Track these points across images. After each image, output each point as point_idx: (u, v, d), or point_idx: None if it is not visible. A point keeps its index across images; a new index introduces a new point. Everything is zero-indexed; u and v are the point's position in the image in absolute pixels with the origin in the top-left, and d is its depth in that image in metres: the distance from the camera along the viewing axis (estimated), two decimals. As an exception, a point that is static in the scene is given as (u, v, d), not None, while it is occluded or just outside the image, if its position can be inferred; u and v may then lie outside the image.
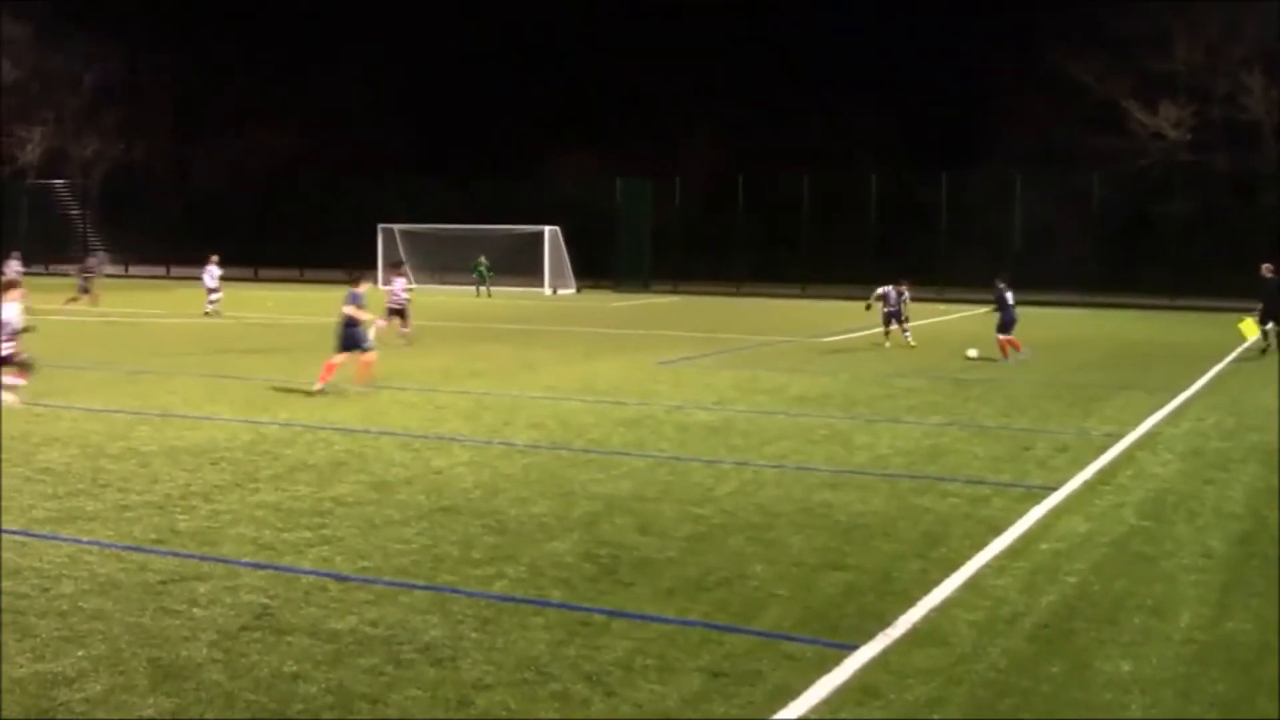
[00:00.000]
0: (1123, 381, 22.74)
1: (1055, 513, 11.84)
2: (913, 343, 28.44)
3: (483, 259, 51.51)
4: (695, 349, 28.09)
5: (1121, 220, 55.30)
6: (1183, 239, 52.82)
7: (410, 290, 29.50)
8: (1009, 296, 26.59)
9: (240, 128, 75.30)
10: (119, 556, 9.77)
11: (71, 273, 42.93)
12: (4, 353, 17.45)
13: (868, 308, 29.61)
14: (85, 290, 40.02)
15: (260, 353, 26.10)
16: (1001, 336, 26.24)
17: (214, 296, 37.77)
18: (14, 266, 42.56)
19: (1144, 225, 54.77)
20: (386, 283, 34.34)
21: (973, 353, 26.23)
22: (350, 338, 19.79)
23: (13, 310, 17.77)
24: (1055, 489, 12.85)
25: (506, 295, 50.56)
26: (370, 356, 19.96)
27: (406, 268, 32.26)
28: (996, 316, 26.68)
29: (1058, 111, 56.75)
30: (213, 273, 38.17)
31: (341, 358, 19.72)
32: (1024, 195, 54.80)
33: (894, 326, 28.59)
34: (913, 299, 29.47)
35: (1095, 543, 10.75)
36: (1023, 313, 26.61)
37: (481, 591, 9.00)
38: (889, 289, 28.71)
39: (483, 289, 50.82)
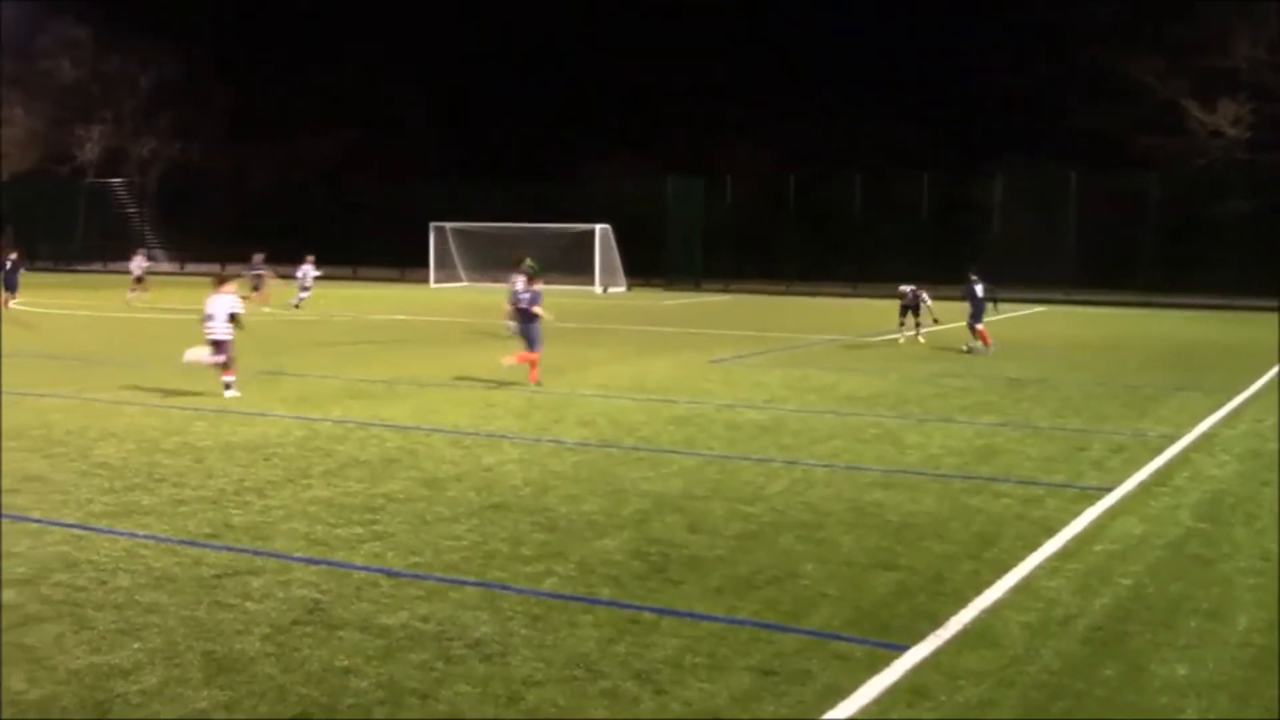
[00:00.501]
0: (1179, 382, 22.46)
1: (1110, 514, 11.72)
2: (921, 340, 28.99)
3: (529, 259, 51.53)
4: (746, 348, 28.02)
5: (1179, 219, 54.56)
6: (1241, 238, 52.05)
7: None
8: (978, 289, 27.73)
9: (293, 130, 75.91)
10: (174, 550, 9.89)
11: (133, 270, 43.54)
12: (218, 337, 18.93)
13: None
14: (256, 289, 40.51)
15: (313, 350, 26.31)
16: (978, 326, 27.42)
17: (303, 294, 39.56)
18: (139, 263, 43.54)
19: (1202, 224, 54.00)
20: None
21: (966, 347, 27.16)
22: (530, 334, 20.69)
23: (225, 302, 19.12)
24: (1110, 490, 12.72)
25: (557, 294, 50.53)
26: (536, 354, 20.67)
27: (527, 266, 32.65)
28: (967, 307, 27.67)
29: (1115, 110, 56.09)
30: (308, 271, 40.26)
31: (534, 354, 20.56)
32: (1080, 195, 54.20)
33: (907, 319, 29.31)
34: (965, 299, 29.40)
35: (1150, 545, 10.62)
36: (1079, 312, 26.54)
37: (531, 588, 9.03)
38: (908, 289, 29.37)
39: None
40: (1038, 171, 55.37)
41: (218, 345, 18.89)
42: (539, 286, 21.17)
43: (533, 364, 20.45)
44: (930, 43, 68.09)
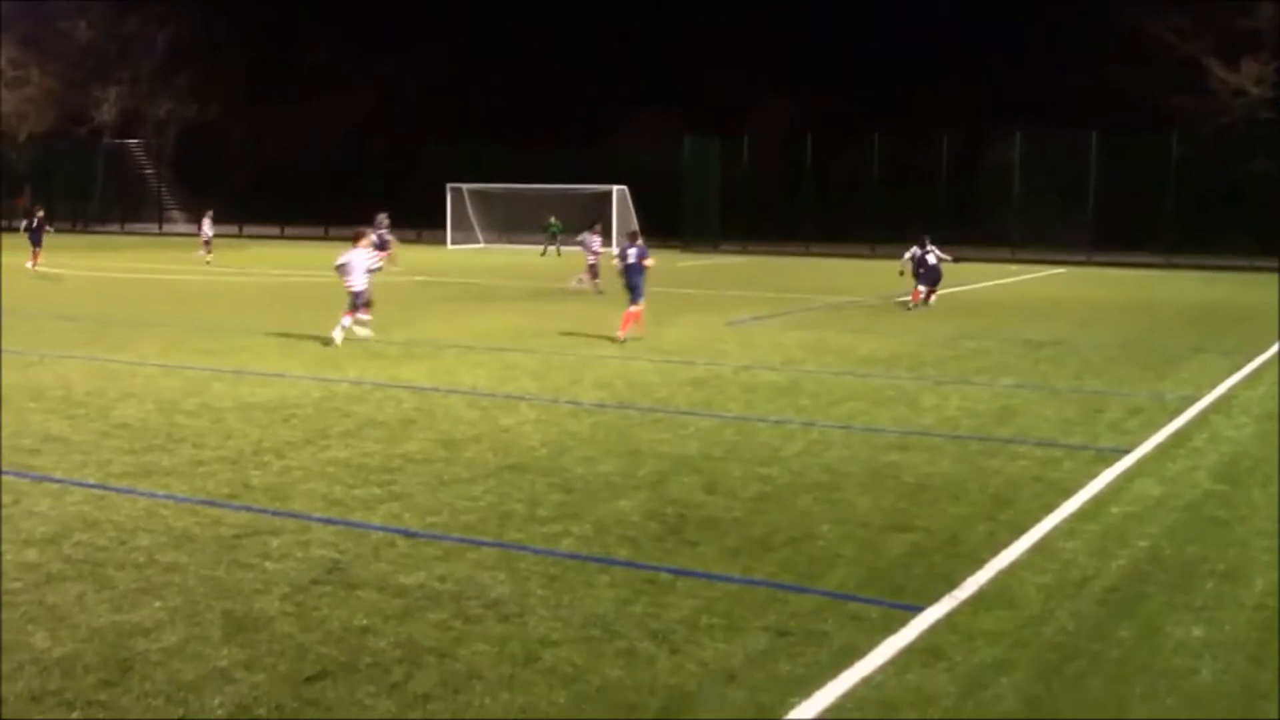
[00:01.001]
0: (1199, 344, 22.37)
1: (1127, 476, 11.70)
2: (930, 303, 29.04)
3: (553, 219, 51.53)
4: (763, 309, 27.99)
5: (1201, 180, 54.21)
6: (1264, 199, 51.68)
7: (603, 250, 32.55)
8: (930, 257, 28.76)
9: (311, 91, 75.80)
10: (193, 510, 9.95)
11: (200, 233, 43.64)
12: (358, 289, 20.58)
13: (901, 274, 30.17)
14: (381, 249, 40.38)
15: (330, 311, 26.34)
16: (920, 288, 28.71)
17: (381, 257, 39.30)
18: (207, 226, 43.76)
19: (1224, 185, 53.64)
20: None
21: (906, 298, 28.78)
22: (637, 288, 21.77)
23: (363, 256, 20.87)
24: (1128, 452, 12.69)
25: (575, 255, 50.61)
26: (640, 308, 21.78)
27: (600, 227, 34.12)
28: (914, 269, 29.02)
29: (1136, 69, 55.60)
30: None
31: (639, 307, 21.66)
32: (1100, 155, 53.83)
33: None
34: (984, 261, 30.03)
35: (1168, 507, 10.61)
36: (1099, 274, 26.49)
37: (548, 549, 9.07)
38: (917, 249, 29.21)
39: (550, 248, 50.84)
40: (1058, 132, 54.97)
41: (356, 295, 20.63)
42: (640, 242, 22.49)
43: (636, 319, 21.60)
44: (950, 2, 67.49)
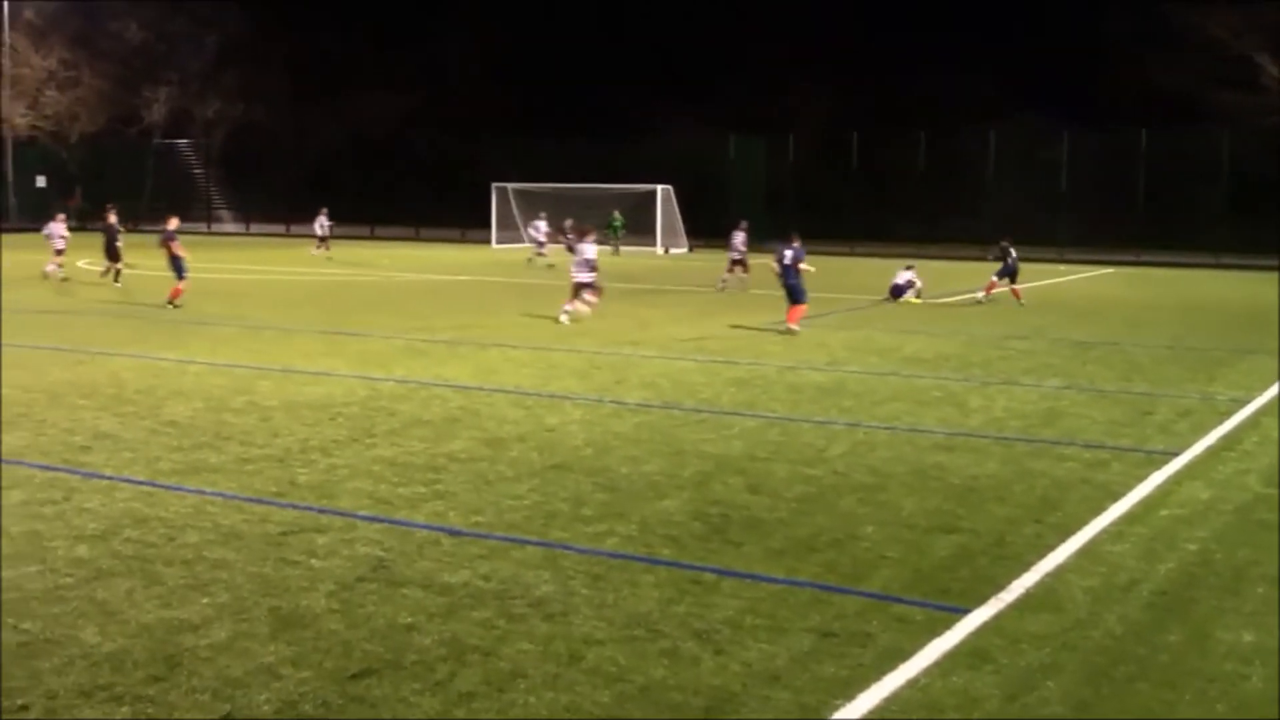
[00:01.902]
0: (1249, 345, 22.10)
1: (1176, 479, 11.58)
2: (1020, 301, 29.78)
3: (617, 214, 51.55)
4: (807, 309, 27.87)
5: (1251, 178, 53.48)
6: (1316, 198, 50.95)
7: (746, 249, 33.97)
8: (1012, 252, 30.34)
9: (355, 90, 76.23)
10: (241, 508, 10.04)
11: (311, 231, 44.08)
12: (585, 280, 23.60)
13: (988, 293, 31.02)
14: (541, 246, 42.05)
15: (375, 310, 26.51)
16: (995, 278, 30.55)
17: (544, 249, 41.58)
18: (323, 222, 44.30)
19: (1275, 183, 52.90)
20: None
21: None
22: (797, 289, 23.08)
23: (590, 249, 23.77)
24: (1177, 454, 12.56)
25: (636, 254, 50.61)
26: (804, 306, 23.16)
27: (746, 224, 35.35)
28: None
29: (1185, 66, 54.95)
30: (539, 228, 42.64)
31: (802, 306, 23.00)
32: (1149, 153, 53.26)
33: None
34: (1031, 260, 30.85)
35: (1218, 510, 10.49)
36: (1148, 274, 26.40)
37: (592, 548, 9.08)
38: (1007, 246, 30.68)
39: (618, 247, 50.82)
40: (1106, 130, 54.44)
41: (584, 286, 23.56)
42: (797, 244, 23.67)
43: (797, 314, 22.92)
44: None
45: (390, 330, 22.44)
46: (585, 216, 52.08)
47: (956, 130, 57.29)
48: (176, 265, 26.42)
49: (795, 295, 23.07)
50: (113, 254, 32.27)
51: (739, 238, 34.12)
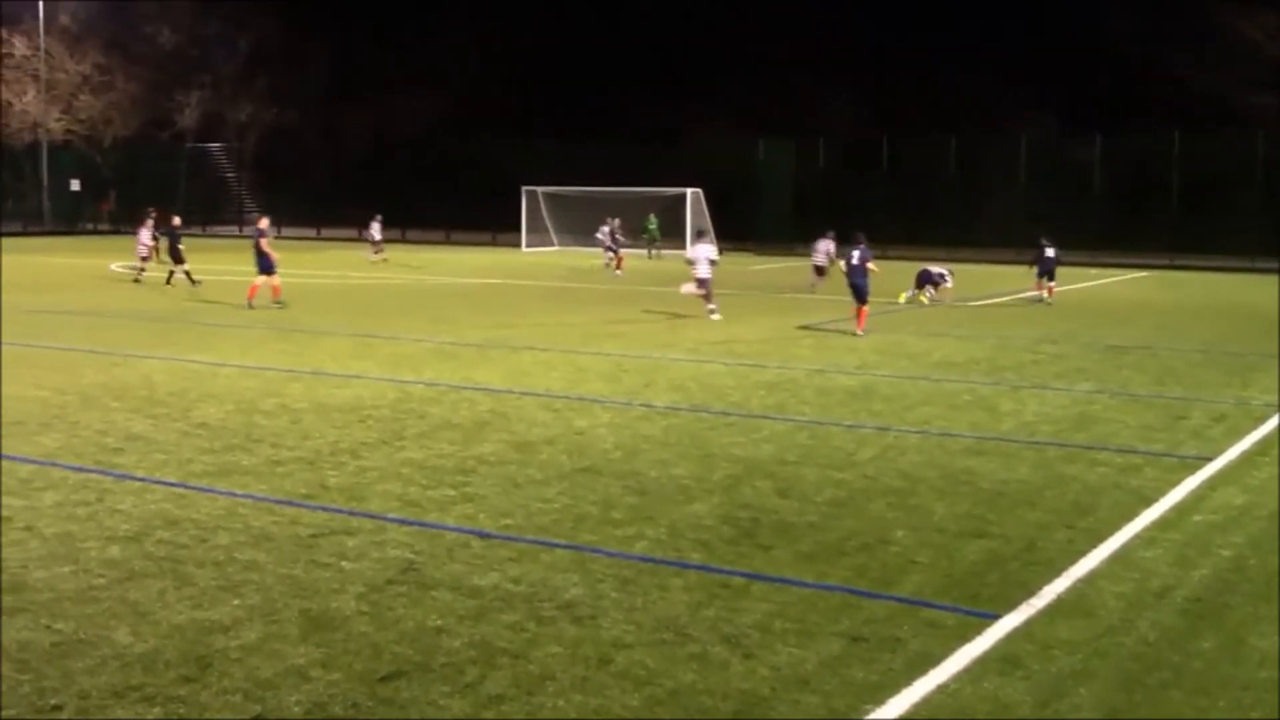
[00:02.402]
0: (1284, 349, 21.89)
1: (1210, 484, 11.49)
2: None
3: (653, 218, 51.54)
4: (837, 312, 27.80)
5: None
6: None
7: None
8: (1050, 251, 31.23)
9: (386, 93, 76.52)
10: (271, 510, 10.08)
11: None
12: (702, 275, 25.53)
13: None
14: (613, 251, 42.51)
15: (404, 313, 26.60)
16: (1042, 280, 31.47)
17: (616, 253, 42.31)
18: (376, 229, 44.64)
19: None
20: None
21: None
22: (863, 288, 23.60)
23: (705, 249, 25.85)
24: (1211, 459, 12.46)
25: (659, 257, 50.59)
26: (866, 308, 23.72)
27: (833, 234, 35.62)
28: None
29: (1219, 68, 54.53)
30: (605, 232, 43.21)
31: (865, 307, 23.61)
32: (1184, 155, 52.83)
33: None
34: (1063, 264, 31.98)
35: (1252, 516, 10.40)
36: (1182, 277, 26.21)
37: (621, 552, 9.07)
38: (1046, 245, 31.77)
39: (654, 251, 50.84)
40: (1139, 132, 54.04)
41: (701, 282, 25.56)
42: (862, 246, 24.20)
43: (863, 316, 23.48)
44: (1029, 1, 66.70)
45: (420, 333, 22.51)
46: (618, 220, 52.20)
47: (987, 133, 56.99)
48: (265, 263, 27.26)
49: (861, 295, 23.58)
50: (176, 256, 33.00)
51: (825, 245, 34.93)
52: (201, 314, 25.47)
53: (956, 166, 56.68)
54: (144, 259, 34.73)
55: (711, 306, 25.71)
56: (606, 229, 43.35)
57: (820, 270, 34.45)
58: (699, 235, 28.11)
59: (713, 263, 25.74)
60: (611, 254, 42.12)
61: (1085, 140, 54.97)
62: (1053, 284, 31.62)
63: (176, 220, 34.35)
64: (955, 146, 56.33)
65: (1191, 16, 55.46)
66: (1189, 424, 14.52)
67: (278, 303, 26.89)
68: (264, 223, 28.66)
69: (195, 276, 32.64)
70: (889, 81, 67.18)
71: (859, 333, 23.06)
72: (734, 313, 27.33)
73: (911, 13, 69.40)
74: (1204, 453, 12.81)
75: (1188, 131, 51.92)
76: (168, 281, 32.43)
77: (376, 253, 44.66)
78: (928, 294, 30.75)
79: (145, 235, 35.20)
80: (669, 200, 54.13)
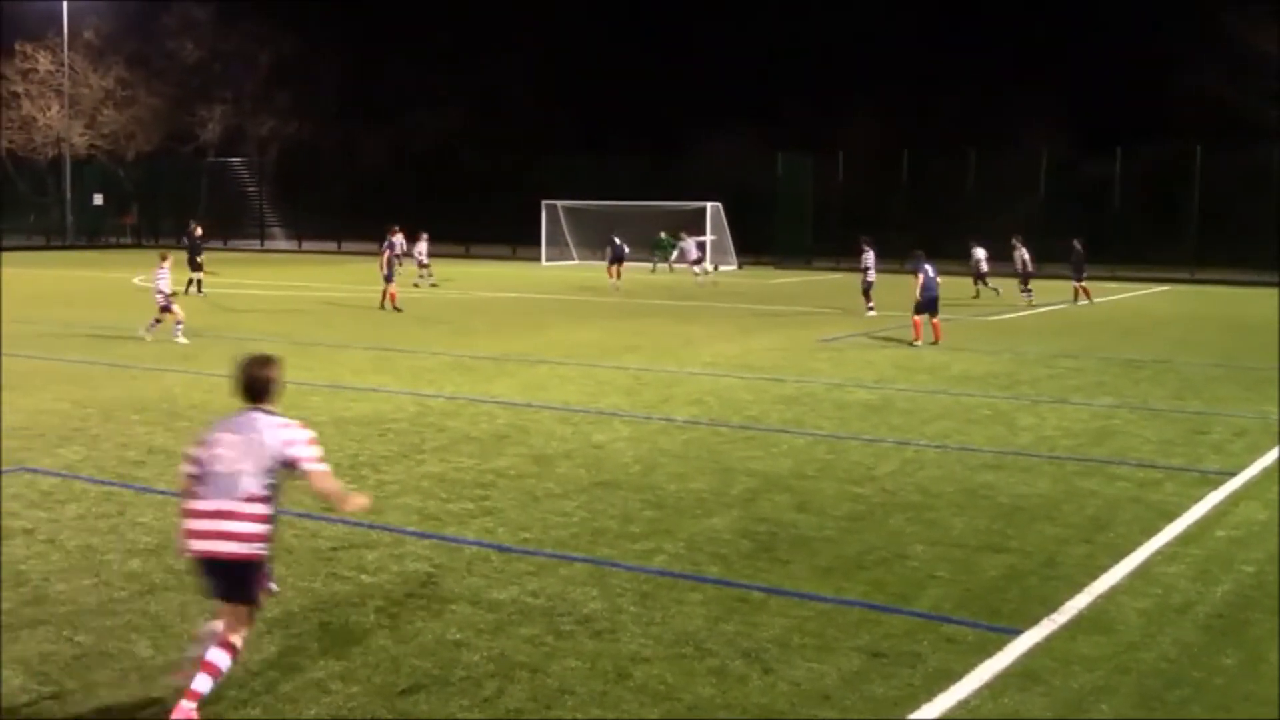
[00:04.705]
0: (1306, 364, 21.77)
1: (1232, 499, 11.44)
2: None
3: (664, 235, 51.43)
4: (856, 326, 27.80)
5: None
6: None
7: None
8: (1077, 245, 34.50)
9: (405, 107, 76.81)
10: (291, 523, 10.10)
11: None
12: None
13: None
14: (697, 264, 43.42)
15: (424, 326, 26.66)
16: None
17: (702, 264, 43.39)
18: (421, 248, 44.59)
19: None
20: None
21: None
22: (933, 302, 24.05)
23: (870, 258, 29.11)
24: (1232, 474, 12.40)
25: (666, 271, 50.63)
26: (938, 320, 24.20)
27: (986, 242, 37.85)
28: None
29: (1240, 81, 54.32)
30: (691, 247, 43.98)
31: (923, 318, 23.99)
32: (1204, 169, 52.60)
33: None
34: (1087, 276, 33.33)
35: (1274, 531, 10.34)
36: (1202, 291, 26.20)
37: (640, 565, 9.08)
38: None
39: (661, 265, 50.80)
40: (1159, 146, 53.84)
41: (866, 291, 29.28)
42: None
43: (935, 328, 24.03)
44: (1047, 14, 66.64)
45: (439, 347, 22.56)
46: (635, 234, 52.27)
47: (1006, 147, 56.85)
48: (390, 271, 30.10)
49: (934, 308, 24.12)
50: (194, 264, 33.69)
51: (981, 253, 37.07)
52: (221, 328, 25.57)
53: (975, 180, 56.55)
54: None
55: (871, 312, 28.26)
56: (691, 244, 44.95)
57: (981, 279, 37.33)
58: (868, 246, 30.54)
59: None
60: (699, 265, 44.04)
61: (1105, 154, 54.79)
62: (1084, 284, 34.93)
63: (198, 231, 34.59)
64: (974, 160, 56.21)
65: (1213, 30, 55.27)
66: (1209, 438, 14.45)
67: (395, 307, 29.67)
68: (403, 238, 30.83)
69: (204, 287, 33.39)
70: (908, 96, 67.12)
71: (917, 344, 23.70)
72: (752, 327, 27.32)
73: (932, 27, 69.39)
74: (1225, 467, 12.76)
75: (1209, 145, 51.71)
76: (198, 289, 33.24)
77: (423, 274, 41.21)
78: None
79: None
80: (688, 214, 54.14)
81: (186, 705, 6.14)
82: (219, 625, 6.40)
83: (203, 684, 6.19)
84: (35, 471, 11.85)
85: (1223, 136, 51.94)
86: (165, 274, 23.18)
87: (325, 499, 6.65)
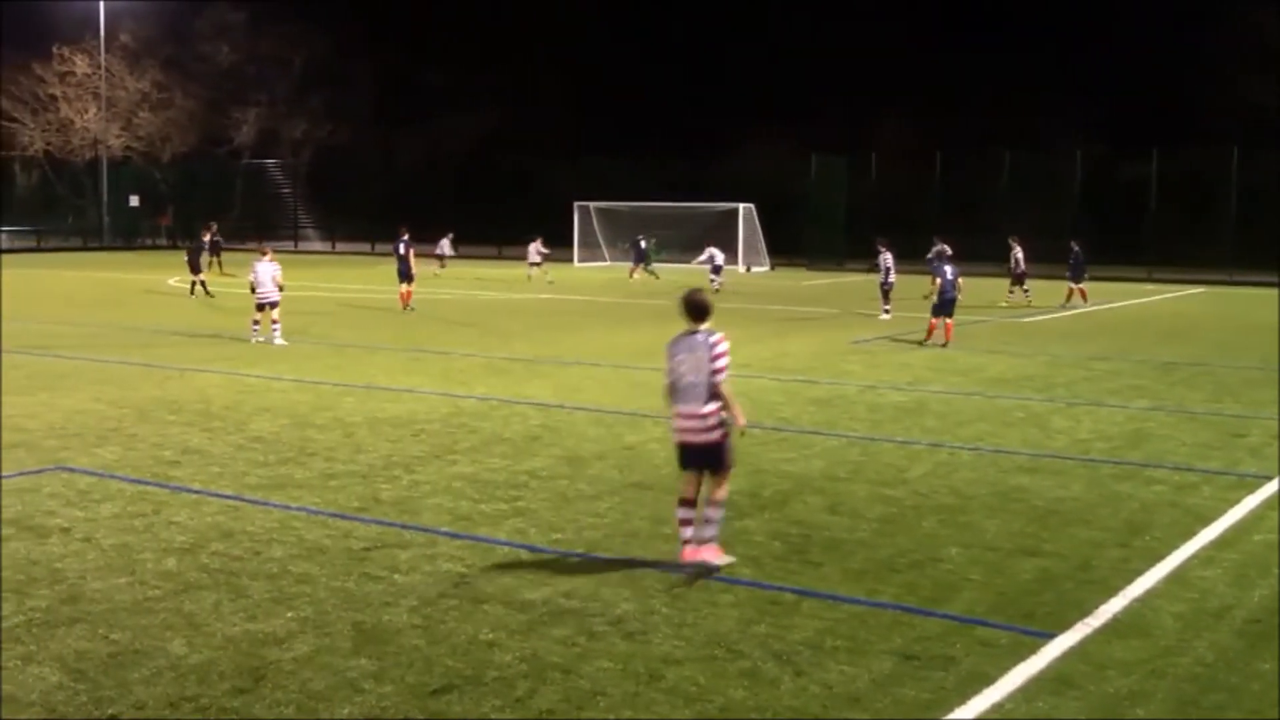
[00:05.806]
0: (1345, 367, 21.54)
1: (1269, 503, 11.32)
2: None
3: (652, 240, 50.57)
4: (889, 328, 27.70)
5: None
6: None
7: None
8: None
9: (438, 109, 77.08)
10: (325, 523, 10.16)
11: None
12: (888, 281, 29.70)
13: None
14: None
15: (456, 328, 26.74)
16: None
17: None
18: (446, 246, 45.41)
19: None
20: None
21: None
22: (949, 304, 24.05)
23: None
24: (1270, 478, 12.28)
25: (700, 273, 50.52)
26: (951, 322, 24.17)
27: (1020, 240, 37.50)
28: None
29: (1275, 85, 53.81)
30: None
31: (939, 319, 24.05)
32: (1241, 171, 52.15)
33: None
34: (1118, 279, 31.83)
35: (1312, 535, 10.23)
36: (1239, 293, 25.87)
37: (672, 566, 9.06)
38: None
39: (640, 267, 50.10)
40: (1196, 147, 53.39)
41: (885, 294, 30.15)
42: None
43: (948, 329, 24.05)
44: (1083, 15, 66.23)
45: (472, 348, 22.62)
46: (667, 235, 52.21)
47: (1041, 149, 56.52)
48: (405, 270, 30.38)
49: (950, 310, 24.11)
50: (195, 267, 34.51)
51: (1020, 253, 36.65)
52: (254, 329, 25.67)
53: (1009, 183, 56.24)
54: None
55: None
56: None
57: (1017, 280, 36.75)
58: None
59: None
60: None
61: (1141, 156, 54.39)
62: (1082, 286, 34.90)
63: (206, 235, 35.11)
64: (1009, 163, 55.91)
65: (1248, 32, 54.81)
66: (1246, 442, 14.32)
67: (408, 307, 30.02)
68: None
69: (204, 289, 34.28)
70: (942, 98, 66.83)
71: (927, 343, 23.84)
72: (785, 328, 27.26)
73: (966, 28, 69.07)
74: (1263, 471, 12.64)
75: (1246, 147, 51.25)
76: (204, 290, 33.81)
77: (442, 266, 45.34)
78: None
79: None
80: (721, 215, 54.09)
81: (712, 547, 8.88)
82: (716, 491, 8.98)
83: (712, 531, 8.93)
84: (73, 470, 11.95)
85: (1259, 138, 51.49)
86: (266, 268, 23.08)
87: (723, 403, 8.93)
